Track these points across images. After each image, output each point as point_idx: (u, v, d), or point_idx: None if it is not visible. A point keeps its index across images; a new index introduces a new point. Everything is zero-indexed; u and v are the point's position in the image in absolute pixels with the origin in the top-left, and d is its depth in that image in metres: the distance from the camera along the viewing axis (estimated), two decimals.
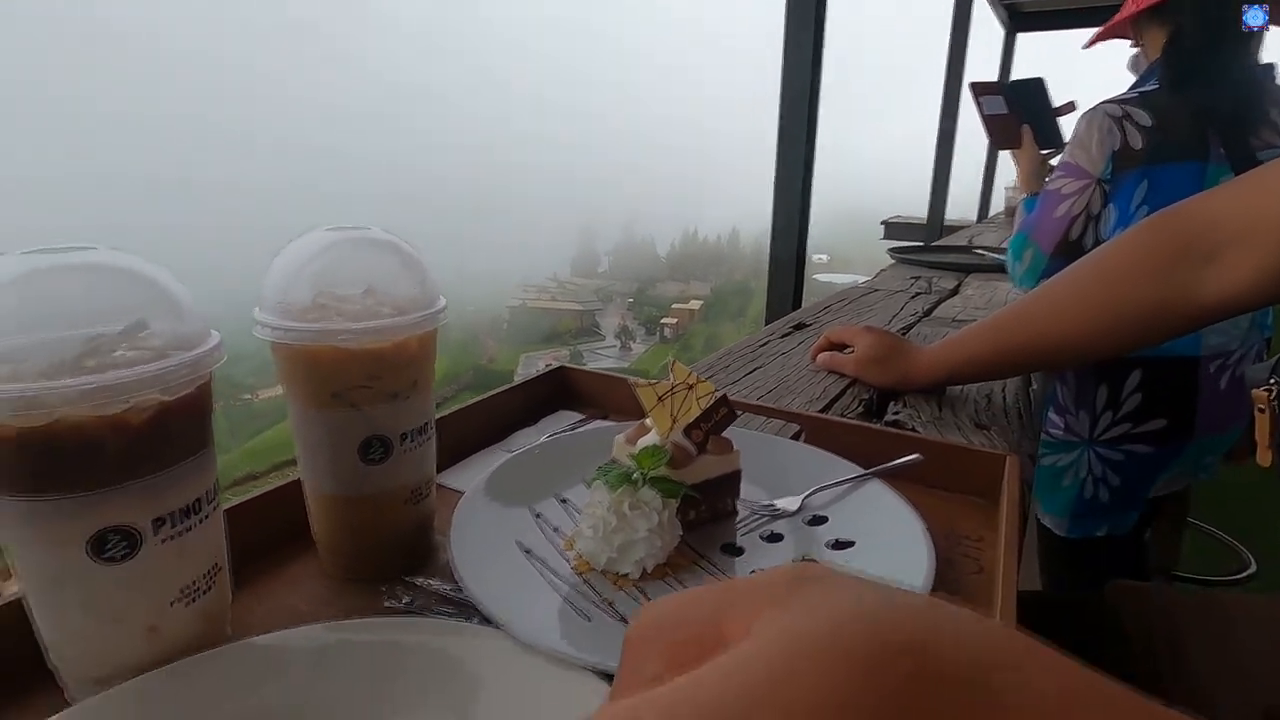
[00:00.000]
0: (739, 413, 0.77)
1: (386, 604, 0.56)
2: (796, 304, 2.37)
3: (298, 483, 0.65)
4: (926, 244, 3.49)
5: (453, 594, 0.57)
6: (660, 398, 0.65)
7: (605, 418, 0.98)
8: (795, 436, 0.86)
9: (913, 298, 1.89)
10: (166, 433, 0.44)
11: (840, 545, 0.63)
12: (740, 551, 0.63)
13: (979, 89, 2.20)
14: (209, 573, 0.49)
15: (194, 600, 0.48)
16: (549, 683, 0.45)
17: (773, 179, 2.37)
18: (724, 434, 0.68)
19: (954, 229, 4.28)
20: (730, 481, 0.68)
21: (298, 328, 0.54)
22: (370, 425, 0.57)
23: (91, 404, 0.40)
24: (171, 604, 0.47)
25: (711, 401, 0.67)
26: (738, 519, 0.69)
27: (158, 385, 0.43)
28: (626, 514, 0.58)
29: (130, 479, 0.43)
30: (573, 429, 0.92)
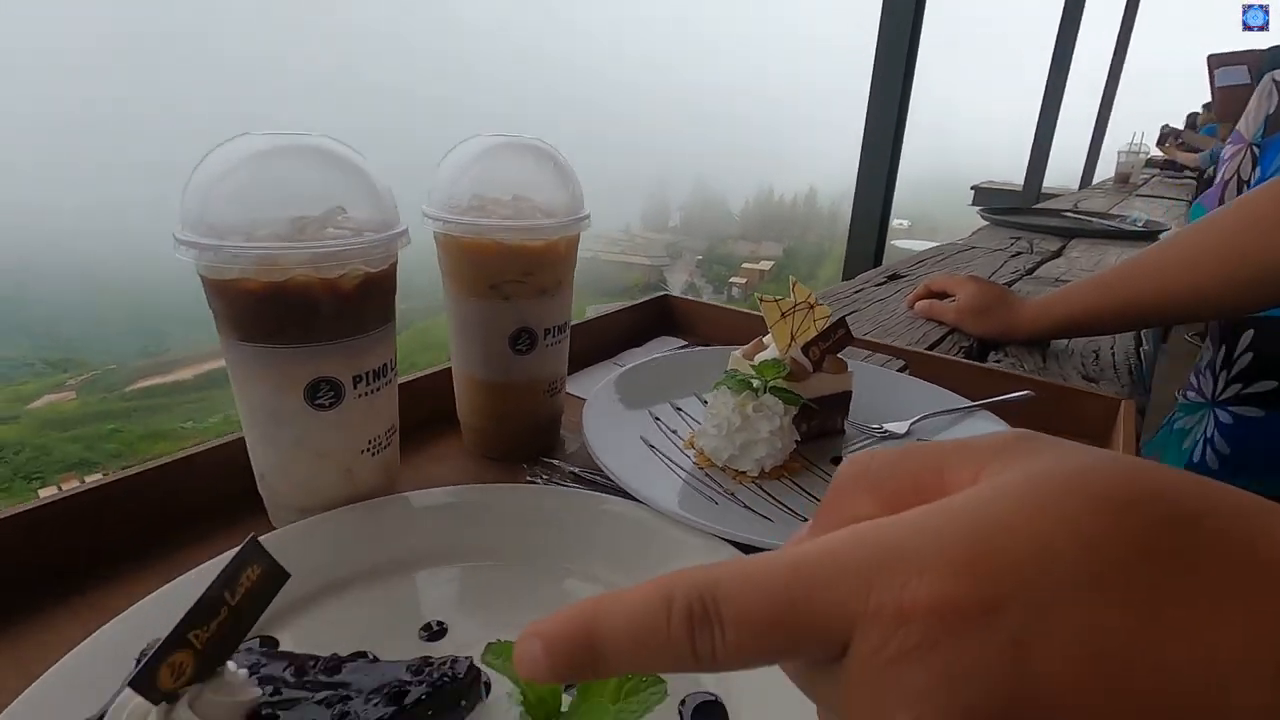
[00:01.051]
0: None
1: (527, 479, 0.63)
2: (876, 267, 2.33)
3: (447, 371, 0.72)
4: (1025, 206, 3.32)
5: (585, 474, 0.63)
6: (783, 314, 0.68)
7: (705, 345, 1.01)
8: (900, 371, 0.88)
9: (1013, 256, 1.83)
10: (367, 300, 0.50)
11: None
12: None
13: (1216, 61, 2.08)
14: (388, 431, 0.56)
15: (377, 453, 0.55)
16: (686, 548, 0.51)
17: (858, 137, 2.31)
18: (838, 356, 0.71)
19: (1051, 197, 4.05)
20: (841, 400, 0.71)
21: (466, 221, 0.59)
22: (520, 318, 0.63)
23: (316, 267, 0.47)
24: (362, 452, 0.54)
25: (829, 323, 0.70)
26: (844, 437, 0.72)
27: (364, 257, 0.49)
28: (750, 415, 0.62)
29: (339, 337, 0.49)
30: (669, 353, 0.96)
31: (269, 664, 0.30)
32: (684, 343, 1.04)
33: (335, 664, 0.30)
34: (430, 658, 0.30)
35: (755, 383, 0.64)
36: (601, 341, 0.96)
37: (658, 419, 0.72)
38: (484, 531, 0.53)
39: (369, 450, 0.54)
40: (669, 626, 0.19)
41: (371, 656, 0.36)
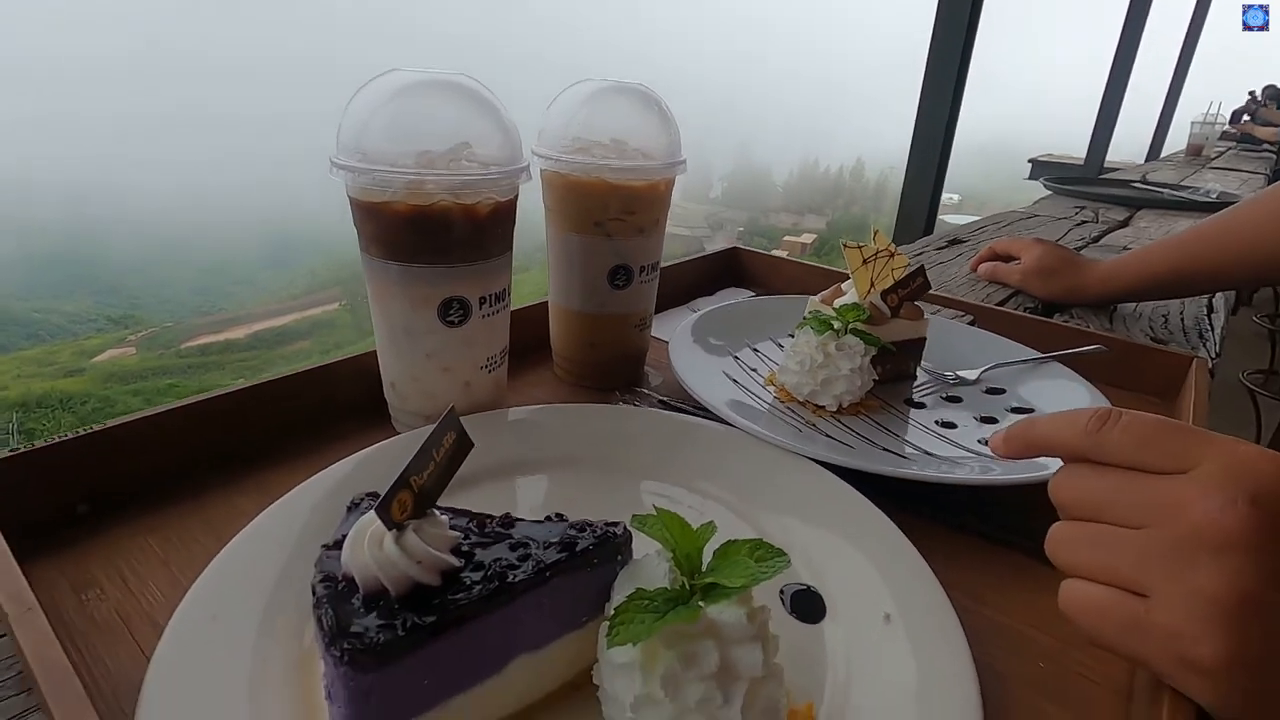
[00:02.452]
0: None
1: (620, 403, 0.68)
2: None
3: (542, 305, 0.77)
4: (1090, 176, 3.22)
5: (672, 402, 0.68)
6: (864, 260, 0.71)
7: (772, 295, 1.05)
8: (972, 324, 0.90)
9: (1078, 225, 1.81)
10: (494, 227, 0.55)
11: (1020, 411, 0.69)
12: (922, 406, 0.70)
13: None
14: (501, 352, 0.62)
15: (493, 370, 0.61)
16: (772, 465, 0.55)
17: (911, 107, 2.27)
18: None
19: (1114, 171, 3.91)
20: (916, 346, 0.74)
21: (576, 160, 0.63)
22: (619, 254, 0.67)
23: (455, 194, 0.52)
24: (480, 368, 0.59)
25: (908, 271, 0.73)
26: (916, 382, 0.75)
27: (495, 186, 0.54)
28: (831, 354, 0.65)
29: (470, 260, 0.55)
30: (743, 300, 1.00)
31: (455, 518, 0.35)
32: (752, 293, 1.07)
33: (509, 521, 0.35)
34: (589, 521, 0.36)
35: (837, 324, 0.67)
36: (675, 289, 1.00)
37: (737, 358, 0.76)
38: (584, 442, 0.58)
39: (486, 367, 0.60)
40: (1085, 420, 0.35)
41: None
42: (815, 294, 0.77)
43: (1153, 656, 0.31)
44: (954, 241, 1.58)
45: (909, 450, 0.61)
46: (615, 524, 0.36)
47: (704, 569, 0.34)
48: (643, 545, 0.36)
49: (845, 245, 0.71)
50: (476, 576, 0.31)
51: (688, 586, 0.33)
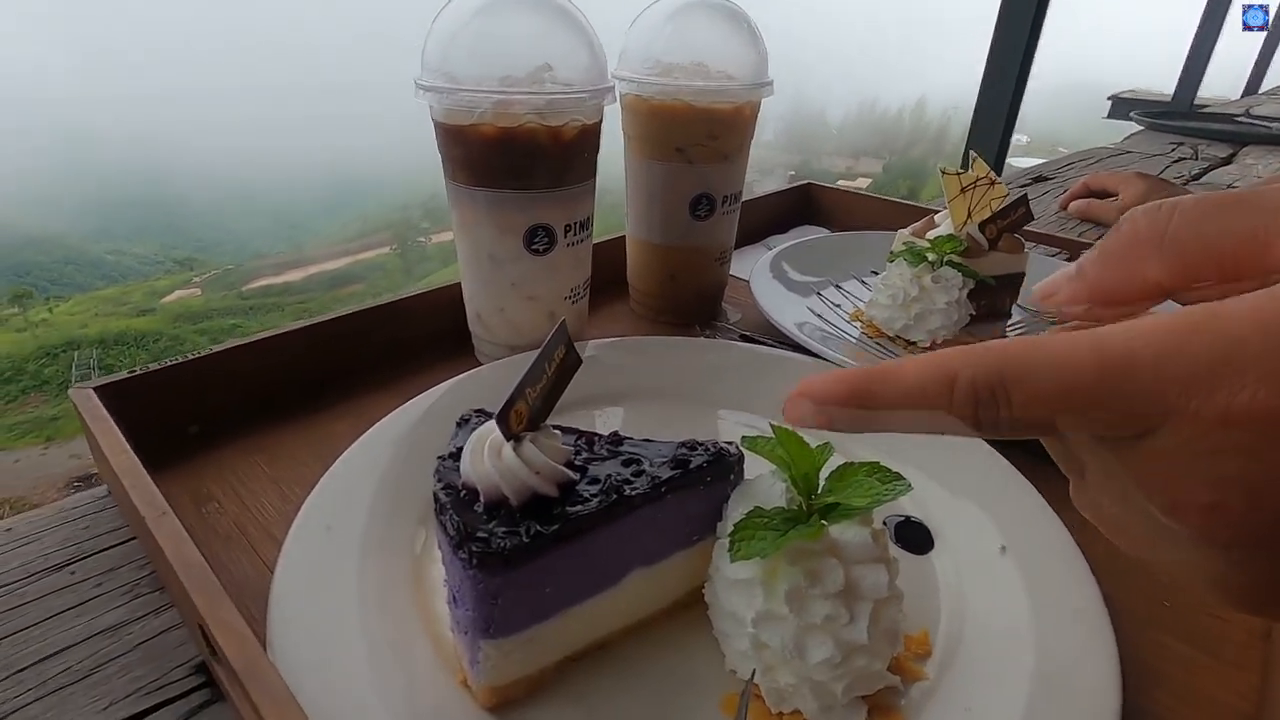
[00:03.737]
0: (1035, 216, 0.77)
1: (700, 336, 0.67)
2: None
3: (619, 240, 0.76)
4: (1187, 110, 2.98)
5: (754, 336, 0.67)
6: (963, 188, 0.67)
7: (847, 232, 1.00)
8: (1069, 261, 0.85)
9: (1175, 161, 1.68)
10: (580, 151, 0.54)
11: None
12: None
13: None
14: (584, 283, 0.61)
15: (576, 301, 0.60)
16: None
17: (982, 41, 2.11)
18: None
19: (1207, 106, 3.59)
20: (1014, 282, 0.70)
21: (658, 82, 0.61)
22: (701, 182, 0.65)
23: (542, 115, 0.50)
24: (564, 298, 0.59)
25: (1008, 200, 0.68)
26: (1010, 321, 0.72)
27: (581, 108, 0.52)
28: (926, 287, 0.62)
29: (555, 186, 0.53)
30: (825, 235, 0.96)
31: (566, 435, 0.35)
32: (827, 231, 1.03)
33: (618, 439, 0.35)
34: (699, 440, 0.35)
35: (932, 256, 0.64)
36: (747, 227, 0.97)
37: (820, 294, 0.73)
38: (667, 373, 0.57)
39: (570, 298, 0.59)
40: (951, 403, 0.19)
41: None
42: (895, 231, 0.73)
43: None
44: (1038, 179, 1.48)
45: None
46: (730, 444, 0.35)
47: (820, 489, 0.33)
48: (752, 469, 0.36)
49: (943, 171, 0.67)
50: (593, 490, 0.31)
51: (805, 507, 0.32)
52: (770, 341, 0.65)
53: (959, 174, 0.67)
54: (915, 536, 0.42)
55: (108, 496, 0.46)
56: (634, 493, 0.31)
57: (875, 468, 0.33)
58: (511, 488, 0.29)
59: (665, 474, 0.33)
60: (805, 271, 0.77)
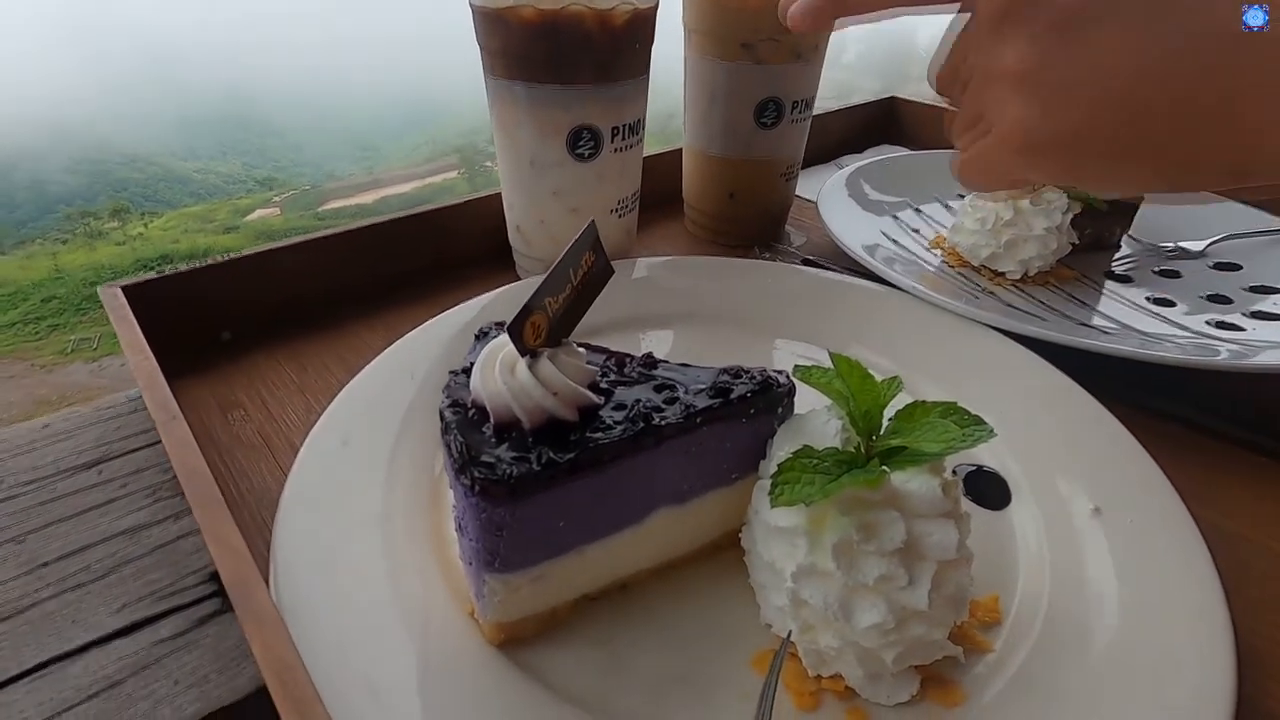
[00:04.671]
0: None
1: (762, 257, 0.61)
2: None
3: (675, 154, 0.69)
4: None
5: (819, 261, 0.60)
6: None
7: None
8: None
9: None
10: (631, 41, 0.48)
11: (1262, 292, 0.56)
12: (1128, 280, 0.58)
13: None
14: (633, 195, 0.56)
15: (623, 215, 0.55)
16: (951, 334, 0.47)
17: None
18: None
19: None
20: (1129, 208, 0.61)
21: None
22: (769, 84, 0.57)
23: None
24: (611, 211, 0.54)
25: None
26: (1118, 254, 0.63)
27: None
28: (1023, 209, 0.54)
29: (603, 81, 0.48)
30: (908, 153, 0.87)
31: (593, 355, 0.31)
32: (909, 151, 0.93)
33: (651, 361, 0.31)
34: (744, 367, 0.30)
35: None
36: (818, 145, 0.88)
37: (896, 218, 0.66)
38: (722, 297, 0.52)
39: (617, 210, 0.54)
40: None
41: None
42: None
43: (976, 102, 0.30)
44: None
45: (1113, 327, 0.50)
46: (778, 372, 0.30)
47: (884, 430, 0.28)
48: (806, 402, 0.31)
49: None
50: (618, 416, 0.27)
51: (864, 449, 0.28)
52: (837, 268, 0.59)
53: None
54: (990, 489, 0.37)
55: (140, 399, 0.45)
56: (664, 422, 0.27)
57: (952, 408, 0.28)
58: (524, 408, 0.26)
59: (702, 403, 0.28)
60: (883, 191, 0.69)
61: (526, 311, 0.26)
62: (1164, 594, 0.29)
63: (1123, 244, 0.63)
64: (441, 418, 0.27)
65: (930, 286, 0.53)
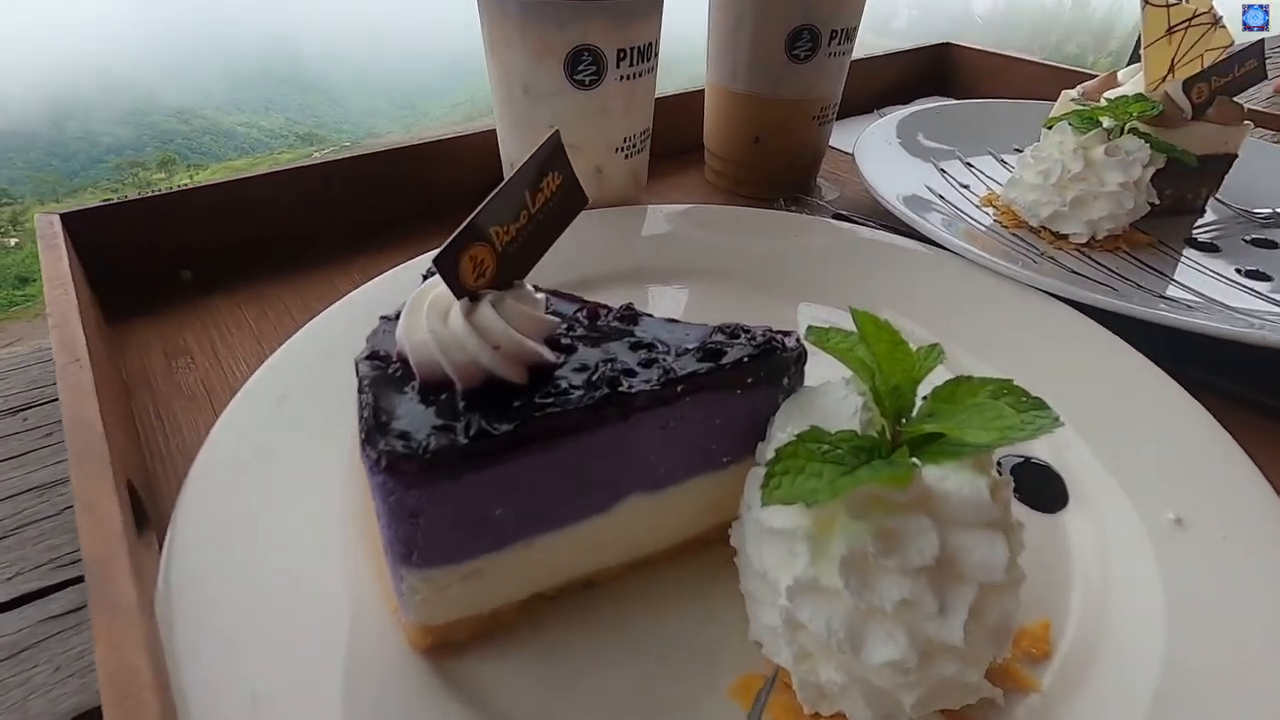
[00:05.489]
0: (1270, 74, 0.58)
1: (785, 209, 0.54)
2: None
3: (697, 95, 0.62)
4: None
5: (852, 216, 0.53)
6: (1170, 28, 0.49)
7: None
8: None
9: None
10: None
11: None
12: (1213, 249, 0.50)
13: None
14: (643, 134, 0.49)
15: (630, 155, 0.49)
16: (1004, 303, 0.40)
17: None
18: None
19: None
20: (1218, 166, 0.53)
21: None
22: (804, 9, 0.50)
23: None
24: (616, 150, 0.48)
25: (1231, 52, 0.50)
26: (1199, 222, 0.54)
27: None
28: (1096, 160, 0.47)
29: None
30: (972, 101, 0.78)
31: (558, 303, 0.26)
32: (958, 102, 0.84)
33: (632, 314, 0.25)
34: (744, 325, 0.24)
35: (1109, 122, 0.48)
36: (860, 92, 0.80)
37: (943, 170, 0.58)
38: (741, 253, 0.46)
39: (623, 150, 0.48)
40: None
41: None
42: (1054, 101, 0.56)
43: None
44: None
45: (1197, 302, 0.43)
46: (785, 333, 0.24)
47: (917, 412, 0.22)
48: (820, 373, 0.25)
49: (1147, 1, 0.48)
50: (578, 380, 0.22)
51: (890, 434, 0.22)
52: (874, 223, 0.52)
53: (1168, 5, 0.48)
54: (1042, 487, 0.31)
55: None
56: (636, 390, 0.22)
57: (1006, 387, 0.22)
58: (455, 365, 0.20)
59: (687, 367, 0.23)
60: (928, 142, 0.61)
61: (462, 240, 0.20)
62: (1263, 631, 0.23)
63: (1208, 208, 0.55)
64: (356, 371, 0.22)
65: (981, 248, 0.45)
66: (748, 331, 0.24)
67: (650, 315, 0.25)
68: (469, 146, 0.54)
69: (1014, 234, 0.50)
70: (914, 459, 0.20)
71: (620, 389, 0.21)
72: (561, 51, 0.42)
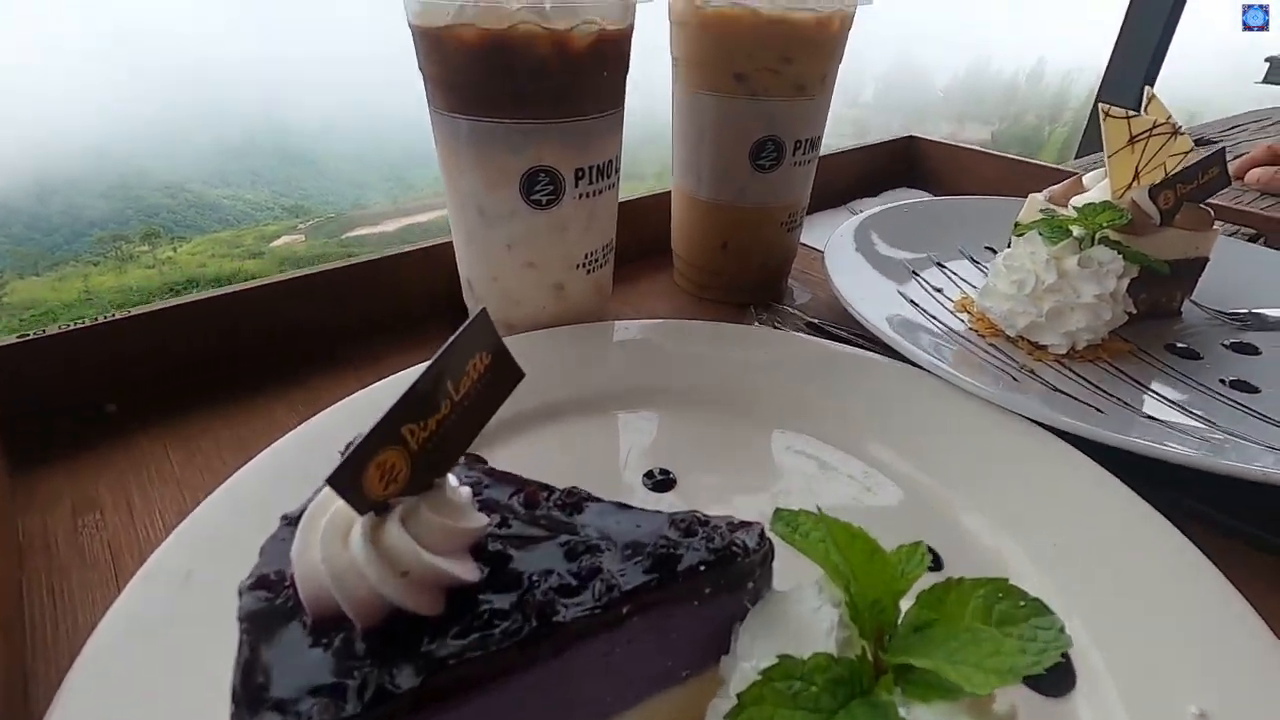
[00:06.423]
0: (1233, 180, 0.58)
1: (755, 324, 0.52)
2: None
3: (664, 197, 0.62)
4: None
5: (825, 325, 0.52)
6: (1133, 138, 0.49)
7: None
8: (1252, 242, 0.64)
9: None
10: (598, 67, 0.40)
11: None
12: (1195, 356, 0.49)
13: None
14: (605, 248, 0.47)
15: (592, 270, 0.47)
16: (988, 433, 0.38)
17: None
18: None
19: None
20: (1191, 270, 0.52)
21: None
22: (768, 122, 0.49)
23: (542, 14, 0.36)
24: (576, 267, 0.46)
25: (1196, 159, 0.50)
26: (1176, 324, 0.53)
27: (600, 7, 0.38)
28: (1069, 271, 0.45)
29: (564, 116, 0.40)
30: (928, 199, 0.79)
31: (492, 486, 0.23)
32: (929, 196, 0.85)
33: (575, 500, 0.22)
34: (701, 515, 0.22)
35: (1079, 230, 0.47)
36: (830, 187, 0.80)
37: (916, 273, 0.57)
38: (710, 373, 0.43)
39: (584, 266, 0.46)
40: None
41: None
42: (1022, 199, 0.56)
43: None
44: (1200, 142, 1.22)
45: (1186, 422, 0.41)
46: (747, 525, 0.21)
47: (901, 627, 0.19)
48: (792, 556, 0.22)
49: (1107, 113, 0.49)
50: (503, 603, 0.18)
51: (871, 657, 0.18)
52: (847, 332, 0.51)
53: (1128, 117, 0.48)
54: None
55: None
56: (573, 617, 0.18)
57: (1001, 590, 0.19)
58: (352, 601, 0.17)
59: (634, 580, 0.20)
60: (899, 244, 0.60)
61: (364, 452, 0.18)
62: None
63: (1183, 311, 0.54)
64: (239, 600, 0.18)
65: (958, 363, 0.44)
66: (706, 525, 0.21)
67: (597, 500, 0.22)
68: (427, 260, 0.52)
69: (991, 343, 0.48)
70: (898, 691, 0.17)
71: (554, 618, 0.18)
72: (517, 174, 0.41)
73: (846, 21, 0.48)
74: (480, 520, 0.20)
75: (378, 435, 0.18)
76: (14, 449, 0.38)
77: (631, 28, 0.42)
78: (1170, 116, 0.50)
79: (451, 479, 0.20)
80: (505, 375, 0.21)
